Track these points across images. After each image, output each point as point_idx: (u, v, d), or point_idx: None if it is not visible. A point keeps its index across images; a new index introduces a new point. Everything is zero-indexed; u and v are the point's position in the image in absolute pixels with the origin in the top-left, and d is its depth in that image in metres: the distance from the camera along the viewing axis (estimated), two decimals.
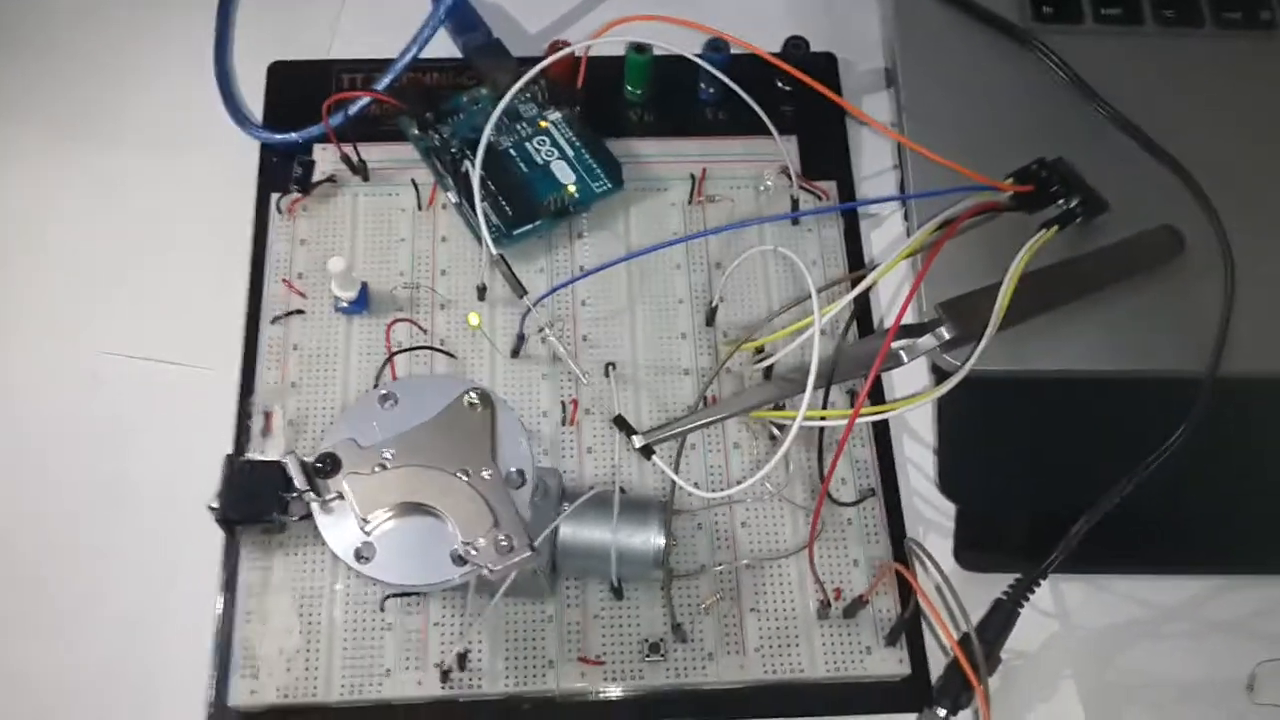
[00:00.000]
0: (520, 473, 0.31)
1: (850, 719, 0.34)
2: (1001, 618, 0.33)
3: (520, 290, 0.35)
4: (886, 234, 0.42)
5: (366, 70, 0.43)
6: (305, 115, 0.41)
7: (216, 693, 0.33)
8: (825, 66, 0.45)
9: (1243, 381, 0.36)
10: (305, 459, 0.31)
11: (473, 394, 0.31)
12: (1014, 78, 0.42)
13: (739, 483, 0.36)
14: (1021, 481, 0.37)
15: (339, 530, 0.30)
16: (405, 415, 0.31)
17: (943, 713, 0.32)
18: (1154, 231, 0.38)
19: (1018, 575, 0.34)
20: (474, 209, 0.38)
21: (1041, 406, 0.37)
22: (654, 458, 0.31)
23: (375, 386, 0.36)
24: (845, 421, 0.29)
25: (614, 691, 0.34)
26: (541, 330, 0.37)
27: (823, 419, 0.31)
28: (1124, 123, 0.40)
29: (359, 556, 0.30)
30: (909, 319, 0.40)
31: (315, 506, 0.30)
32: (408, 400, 0.32)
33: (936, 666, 0.34)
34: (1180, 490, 0.35)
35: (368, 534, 0.30)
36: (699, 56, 0.40)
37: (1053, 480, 0.37)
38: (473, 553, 0.29)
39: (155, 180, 0.42)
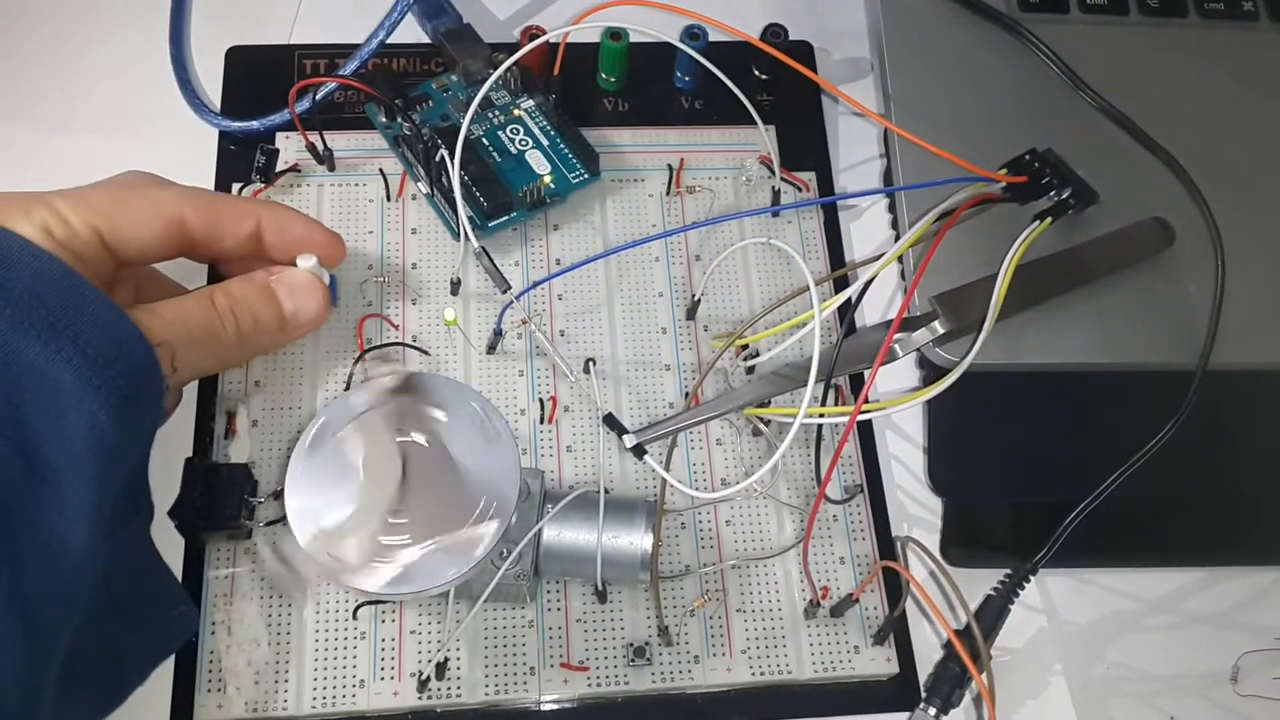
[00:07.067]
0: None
1: None
2: (993, 613, 0.33)
3: (504, 284, 0.34)
4: (866, 226, 0.42)
5: (329, 56, 0.42)
6: (265, 102, 0.39)
7: (180, 708, 0.31)
8: (803, 55, 0.44)
9: (1230, 374, 0.36)
10: None
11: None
12: (1001, 67, 0.42)
13: (723, 480, 0.35)
14: (1012, 475, 0.37)
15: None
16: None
17: (933, 712, 0.32)
18: (1144, 224, 0.37)
19: (1004, 572, 0.34)
20: (450, 202, 0.36)
21: (1031, 399, 0.37)
22: (646, 457, 0.30)
23: (347, 388, 0.35)
24: (845, 419, 0.29)
25: (598, 698, 0.33)
26: (525, 323, 0.36)
27: (822, 416, 0.30)
28: (1113, 113, 0.40)
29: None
30: (890, 313, 0.40)
31: None
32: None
33: (924, 666, 0.34)
34: (1165, 482, 0.35)
35: None
36: (679, 41, 0.39)
37: (1043, 473, 0.37)
38: None
39: (108, 169, 0.39)
